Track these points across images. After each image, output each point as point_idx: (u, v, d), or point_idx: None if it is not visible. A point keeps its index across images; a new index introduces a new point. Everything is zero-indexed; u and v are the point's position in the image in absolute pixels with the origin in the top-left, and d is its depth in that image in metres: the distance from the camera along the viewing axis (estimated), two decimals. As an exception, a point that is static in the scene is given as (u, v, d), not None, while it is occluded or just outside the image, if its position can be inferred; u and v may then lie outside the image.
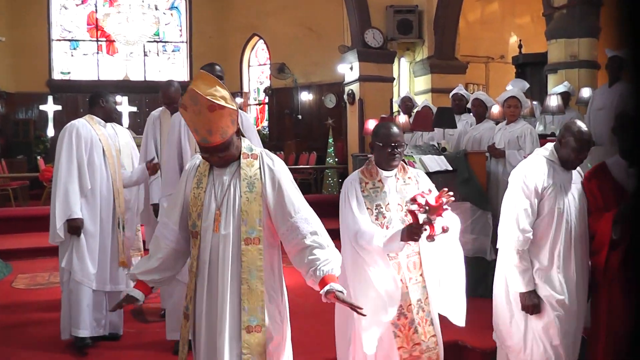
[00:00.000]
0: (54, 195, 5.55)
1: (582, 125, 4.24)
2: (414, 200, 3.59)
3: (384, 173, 4.05)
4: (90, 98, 5.88)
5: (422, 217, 3.60)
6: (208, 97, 3.08)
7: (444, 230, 3.63)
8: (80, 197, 5.51)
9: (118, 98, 17.64)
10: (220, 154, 3.24)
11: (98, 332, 5.54)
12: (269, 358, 3.29)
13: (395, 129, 4.03)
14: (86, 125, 5.68)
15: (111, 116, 5.89)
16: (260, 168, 3.34)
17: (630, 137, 3.71)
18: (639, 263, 1.26)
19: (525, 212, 4.25)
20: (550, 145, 4.38)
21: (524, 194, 4.26)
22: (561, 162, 4.28)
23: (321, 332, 5.53)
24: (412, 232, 3.63)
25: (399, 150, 3.96)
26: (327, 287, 3.16)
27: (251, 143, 5.35)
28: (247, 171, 3.31)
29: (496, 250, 7.00)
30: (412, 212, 3.63)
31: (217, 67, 5.40)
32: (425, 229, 3.59)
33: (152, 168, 5.82)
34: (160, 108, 6.44)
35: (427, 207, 3.53)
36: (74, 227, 5.48)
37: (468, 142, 8.11)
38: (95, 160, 5.60)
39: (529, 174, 4.27)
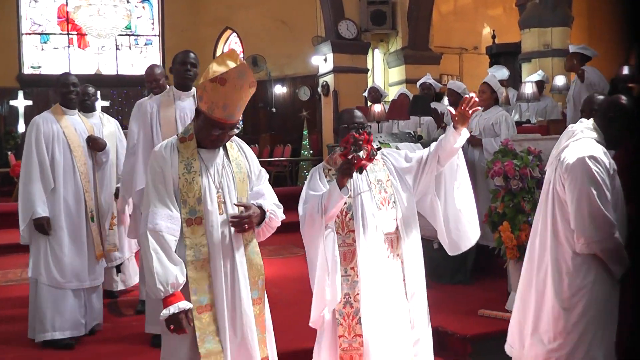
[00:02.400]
0: (19, 196, 5.49)
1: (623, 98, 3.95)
2: (343, 142, 3.64)
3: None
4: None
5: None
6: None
7: (369, 155, 3.63)
8: (44, 195, 5.37)
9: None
10: (231, 132, 3.28)
11: (80, 331, 5.42)
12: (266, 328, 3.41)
13: (357, 112, 4.04)
14: (48, 120, 5.52)
15: (68, 98, 5.63)
16: (239, 150, 3.46)
17: (618, 124, 3.71)
18: (638, 264, 1.25)
19: (609, 202, 3.57)
20: (589, 124, 3.86)
21: (602, 183, 3.56)
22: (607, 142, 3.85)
23: (300, 322, 5.51)
24: (343, 170, 3.60)
25: (363, 130, 3.91)
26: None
27: None
28: (232, 153, 3.39)
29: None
30: (342, 155, 3.65)
31: (192, 55, 5.34)
32: (354, 162, 3.57)
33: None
34: (146, 97, 6.19)
35: (353, 145, 3.59)
36: (39, 226, 5.35)
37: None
38: (57, 154, 5.45)
39: (598, 159, 3.59)
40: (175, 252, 3.16)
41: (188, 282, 3.19)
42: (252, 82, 3.23)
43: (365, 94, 11.25)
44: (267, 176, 3.59)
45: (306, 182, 3.99)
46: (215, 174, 3.29)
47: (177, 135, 3.41)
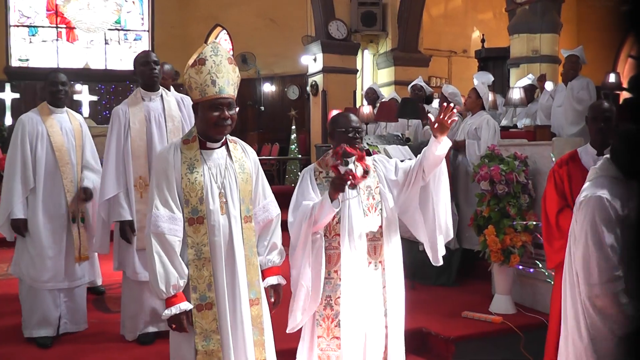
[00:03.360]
0: (1, 194, 5.51)
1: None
2: (334, 153, 3.73)
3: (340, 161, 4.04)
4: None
5: (342, 170, 3.72)
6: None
7: (365, 171, 3.77)
8: (23, 195, 5.36)
9: (78, 87, 17.41)
10: (230, 112, 3.31)
11: (55, 332, 5.41)
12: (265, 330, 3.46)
13: (353, 116, 4.07)
14: (34, 119, 5.49)
15: (56, 97, 5.61)
16: (243, 151, 3.50)
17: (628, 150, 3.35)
18: (639, 263, 1.30)
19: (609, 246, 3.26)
20: (604, 161, 3.50)
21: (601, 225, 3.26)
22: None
23: (285, 321, 5.55)
24: (336, 185, 3.68)
25: (359, 135, 3.98)
26: (276, 280, 3.59)
27: None
28: (236, 154, 3.44)
29: (459, 239, 7.14)
30: (333, 167, 3.74)
31: (153, 54, 5.38)
32: (349, 178, 3.66)
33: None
34: (125, 100, 6.16)
35: (346, 159, 3.69)
36: (16, 228, 5.37)
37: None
38: (40, 154, 5.43)
39: (603, 199, 3.24)
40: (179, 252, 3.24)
41: (189, 281, 3.25)
42: (229, 58, 3.36)
43: (363, 93, 11.28)
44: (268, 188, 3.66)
45: (297, 185, 3.99)
46: (218, 174, 3.34)
47: (181, 137, 3.46)
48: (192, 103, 3.45)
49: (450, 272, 7.13)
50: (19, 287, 5.59)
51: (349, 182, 3.66)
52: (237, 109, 3.41)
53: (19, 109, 16.24)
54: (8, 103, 18.10)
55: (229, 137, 3.48)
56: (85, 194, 5.57)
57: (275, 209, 3.59)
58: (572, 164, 4.47)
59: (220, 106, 3.28)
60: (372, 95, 10.76)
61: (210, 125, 3.31)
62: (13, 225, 5.36)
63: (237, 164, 3.40)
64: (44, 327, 5.34)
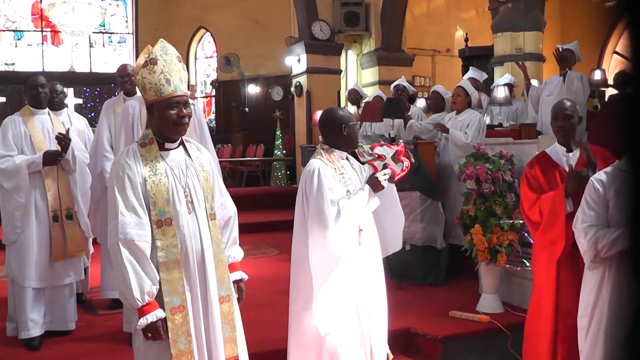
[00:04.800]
0: None
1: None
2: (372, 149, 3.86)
3: (342, 157, 4.05)
4: None
5: (380, 166, 3.88)
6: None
7: (405, 170, 3.96)
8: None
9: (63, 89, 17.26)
10: (187, 110, 3.31)
11: (40, 330, 5.39)
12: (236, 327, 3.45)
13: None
14: (17, 122, 5.54)
15: (37, 100, 5.64)
16: (199, 150, 3.52)
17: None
18: (638, 255, 1.28)
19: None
20: None
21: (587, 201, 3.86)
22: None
23: (273, 322, 5.54)
24: (377, 182, 3.82)
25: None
26: (239, 275, 3.60)
27: (203, 135, 5.38)
28: (193, 152, 3.44)
29: (446, 238, 7.14)
30: (372, 164, 3.88)
31: (129, 66, 5.79)
32: (387, 174, 3.83)
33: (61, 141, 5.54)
34: (114, 98, 6.30)
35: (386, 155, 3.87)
36: (50, 156, 5.48)
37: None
38: (25, 154, 5.47)
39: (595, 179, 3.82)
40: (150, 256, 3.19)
41: (161, 285, 3.18)
42: (178, 56, 3.38)
43: (346, 94, 11.27)
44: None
45: (317, 184, 3.85)
46: (181, 174, 3.32)
47: (136, 141, 3.40)
48: (146, 104, 3.40)
49: (437, 272, 7.13)
50: (9, 288, 5.59)
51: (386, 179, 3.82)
52: (194, 105, 3.42)
53: (5, 112, 16.14)
54: (-5, 107, 18.06)
55: (183, 137, 3.45)
56: (64, 140, 5.50)
57: (232, 206, 3.62)
58: (544, 161, 4.55)
59: (177, 104, 3.27)
60: (355, 96, 10.79)
61: (169, 124, 3.27)
62: (46, 157, 5.44)
63: (196, 162, 3.40)
64: (30, 328, 5.34)
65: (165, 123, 3.28)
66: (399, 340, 5.49)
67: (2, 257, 5.70)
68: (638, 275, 1.33)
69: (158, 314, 3.12)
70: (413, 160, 4.07)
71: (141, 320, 3.10)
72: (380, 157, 4.00)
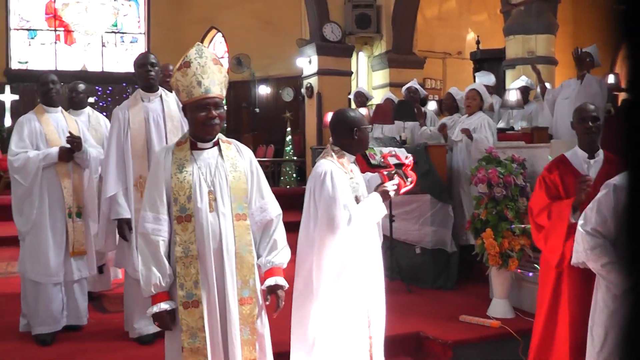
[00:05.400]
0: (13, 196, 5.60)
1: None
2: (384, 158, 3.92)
3: (351, 161, 4.04)
4: None
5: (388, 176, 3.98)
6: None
7: (411, 185, 4.03)
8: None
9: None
10: (218, 111, 3.34)
11: (57, 327, 5.43)
12: (258, 330, 3.44)
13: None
14: (31, 119, 5.59)
15: (48, 97, 5.67)
16: (238, 151, 3.53)
17: None
18: (637, 254, 1.25)
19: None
20: None
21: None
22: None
23: (277, 324, 5.49)
24: (386, 191, 3.90)
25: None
26: (273, 281, 3.45)
27: None
28: (228, 153, 3.47)
29: (457, 242, 7.11)
30: (382, 173, 3.94)
31: (151, 55, 5.45)
32: (396, 185, 3.93)
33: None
34: (126, 100, 6.20)
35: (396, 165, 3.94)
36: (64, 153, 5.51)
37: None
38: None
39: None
40: (168, 250, 3.31)
41: (176, 278, 3.29)
42: (215, 59, 3.41)
43: (352, 97, 11.26)
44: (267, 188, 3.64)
45: (330, 187, 3.82)
46: (208, 173, 3.38)
47: (175, 141, 3.52)
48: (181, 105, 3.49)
49: (447, 275, 7.10)
50: (22, 285, 5.63)
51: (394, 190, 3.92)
52: (225, 107, 3.43)
53: (18, 110, 16.33)
54: (8, 105, 18.22)
55: (223, 137, 3.52)
56: (75, 140, 5.50)
57: (274, 210, 3.56)
58: (563, 168, 4.45)
59: (207, 106, 3.33)
60: (361, 99, 10.77)
61: (199, 125, 3.36)
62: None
63: (228, 162, 3.43)
64: (47, 324, 5.38)
65: (196, 124, 3.38)
66: (408, 344, 5.48)
67: (16, 253, 5.73)
68: (634, 279, 1.31)
69: (163, 305, 3.26)
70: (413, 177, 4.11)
71: (150, 308, 3.29)
72: (389, 167, 4.04)
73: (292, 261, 4.09)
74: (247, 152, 3.58)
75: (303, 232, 4.01)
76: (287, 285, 3.53)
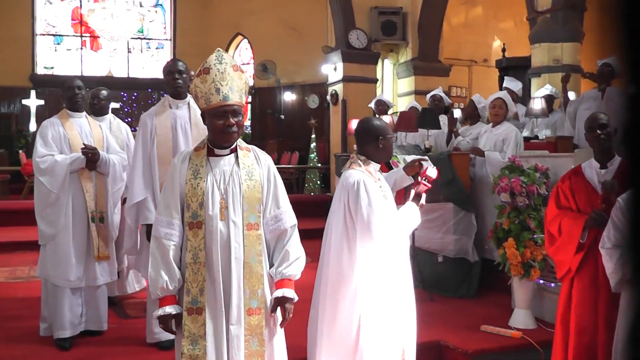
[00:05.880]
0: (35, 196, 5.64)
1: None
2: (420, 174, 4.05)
3: (376, 169, 4.05)
4: None
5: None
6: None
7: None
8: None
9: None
10: (236, 119, 3.33)
11: (76, 330, 5.48)
12: (267, 341, 3.41)
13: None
14: (55, 124, 5.63)
15: (73, 102, 5.72)
16: (256, 159, 3.50)
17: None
18: (637, 258, 1.25)
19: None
20: None
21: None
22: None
23: (297, 331, 5.49)
24: (419, 200, 4.00)
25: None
26: (280, 293, 3.40)
27: None
28: (245, 161, 3.45)
29: (479, 251, 7.07)
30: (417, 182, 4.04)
31: (179, 62, 5.44)
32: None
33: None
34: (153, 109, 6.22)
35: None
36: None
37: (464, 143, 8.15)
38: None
39: None
40: (180, 255, 3.32)
41: (185, 283, 3.31)
42: (234, 65, 3.39)
43: (372, 105, 11.23)
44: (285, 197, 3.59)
45: (368, 197, 3.81)
46: (221, 180, 3.37)
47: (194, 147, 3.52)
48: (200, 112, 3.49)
49: (469, 284, 7.06)
50: (42, 289, 5.69)
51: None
52: (243, 115, 3.44)
53: (43, 115, 16.49)
54: (33, 109, 18.50)
55: (242, 144, 3.50)
56: (90, 151, 5.55)
57: (289, 220, 3.51)
58: (575, 178, 4.48)
59: (225, 114, 3.32)
60: (382, 107, 10.74)
61: (217, 132, 3.36)
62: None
63: (244, 170, 3.41)
64: (66, 328, 5.41)
65: (214, 131, 3.37)
66: (428, 352, 5.44)
67: (36, 257, 5.79)
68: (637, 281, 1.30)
69: (167, 309, 3.27)
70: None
71: (156, 311, 3.33)
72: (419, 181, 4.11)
73: (315, 268, 4.11)
74: (265, 159, 3.54)
75: (338, 244, 3.93)
76: (296, 298, 3.44)
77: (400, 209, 3.97)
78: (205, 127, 5.28)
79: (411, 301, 4.06)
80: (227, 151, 3.43)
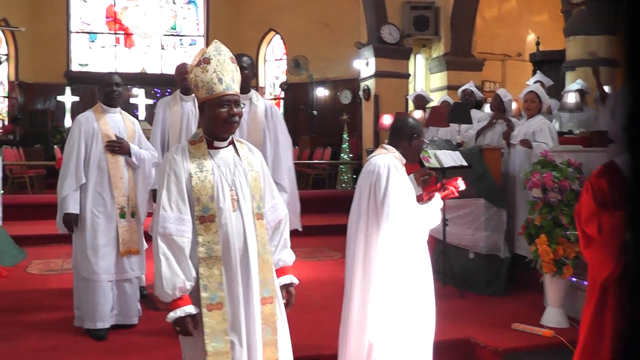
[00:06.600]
0: (57, 188, 5.71)
1: None
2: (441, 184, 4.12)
3: (403, 162, 4.05)
4: None
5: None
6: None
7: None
8: (75, 191, 5.56)
9: (135, 90, 17.77)
10: (237, 109, 3.30)
11: (106, 323, 5.54)
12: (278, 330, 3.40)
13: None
14: (89, 118, 5.70)
15: (109, 97, 5.80)
16: (250, 150, 3.49)
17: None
18: (638, 262, 1.19)
19: None
20: None
21: None
22: None
23: (328, 327, 5.48)
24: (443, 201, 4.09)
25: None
26: (289, 279, 3.54)
27: (277, 137, 5.35)
28: (243, 152, 3.43)
29: (510, 247, 6.97)
30: (449, 185, 4.10)
31: (244, 58, 5.28)
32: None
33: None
34: (169, 96, 6.48)
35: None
36: (67, 222, 5.58)
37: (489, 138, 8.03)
38: (94, 151, 5.61)
39: None
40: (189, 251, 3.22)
41: (200, 280, 3.20)
42: (231, 57, 3.38)
43: (411, 99, 11.16)
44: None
45: (396, 184, 3.88)
46: (228, 172, 3.32)
47: (187, 139, 3.45)
48: (198, 103, 3.44)
49: (500, 282, 6.96)
50: (74, 280, 5.78)
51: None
52: (244, 105, 3.41)
53: (78, 111, 16.57)
54: (68, 106, 18.76)
55: (234, 137, 3.47)
56: (117, 141, 5.69)
57: (283, 209, 3.58)
58: (612, 173, 4.25)
59: (228, 103, 3.28)
60: (421, 102, 10.66)
61: (219, 122, 3.29)
62: (64, 219, 5.57)
63: (245, 161, 3.39)
64: (99, 320, 5.49)
65: (216, 121, 3.29)
66: (457, 349, 5.39)
67: (69, 249, 5.87)
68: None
69: (187, 309, 3.15)
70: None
71: (170, 313, 3.16)
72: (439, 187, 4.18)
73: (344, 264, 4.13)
74: (257, 152, 3.56)
75: (361, 230, 4.02)
76: (297, 282, 3.59)
77: (426, 204, 3.94)
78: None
79: (430, 295, 4.05)
80: (226, 143, 3.39)
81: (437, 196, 4.01)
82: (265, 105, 5.32)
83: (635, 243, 1.19)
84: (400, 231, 3.82)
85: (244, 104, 3.42)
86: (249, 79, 5.19)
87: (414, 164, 4.29)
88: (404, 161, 4.06)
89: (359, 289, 4.02)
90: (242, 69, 5.27)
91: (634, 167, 1.12)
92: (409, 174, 4.13)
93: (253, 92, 5.31)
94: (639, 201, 1.16)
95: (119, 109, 5.91)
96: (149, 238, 6.23)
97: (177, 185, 3.25)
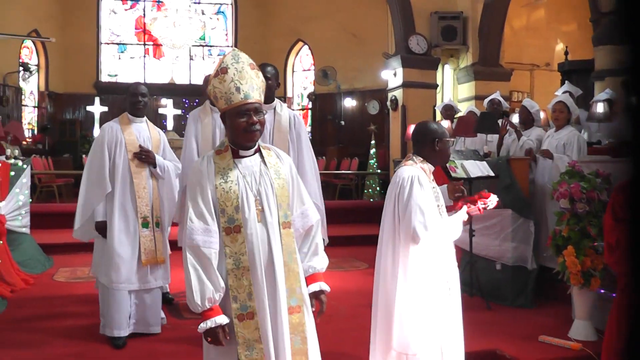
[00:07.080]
0: (79, 196, 5.81)
1: None
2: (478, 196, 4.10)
3: (432, 170, 4.05)
4: None
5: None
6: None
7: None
8: (102, 199, 5.62)
9: (163, 101, 17.91)
10: (258, 117, 3.26)
11: (125, 332, 5.57)
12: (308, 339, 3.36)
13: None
14: (114, 128, 5.77)
15: (135, 107, 5.85)
16: (278, 157, 3.45)
17: None
18: (638, 262, 1.19)
19: None
20: None
21: None
22: None
23: (355, 337, 5.47)
24: (470, 215, 4.04)
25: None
26: (318, 287, 3.47)
27: (300, 146, 5.37)
28: (270, 160, 3.39)
29: (537, 259, 6.90)
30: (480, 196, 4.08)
31: (268, 68, 5.28)
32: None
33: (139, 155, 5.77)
34: (200, 107, 6.45)
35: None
36: (99, 229, 5.66)
37: (516, 148, 7.99)
38: (117, 161, 5.66)
39: None
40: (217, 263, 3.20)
41: (229, 291, 3.20)
42: (251, 63, 3.32)
43: (440, 109, 11.13)
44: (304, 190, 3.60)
45: (416, 193, 3.85)
46: (253, 182, 3.30)
47: (213, 149, 3.43)
48: (219, 113, 3.41)
49: (527, 293, 6.89)
50: (98, 287, 5.84)
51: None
52: (266, 113, 3.37)
53: (106, 121, 16.74)
54: (97, 116, 18.99)
55: (262, 144, 3.44)
56: (143, 151, 5.75)
57: (314, 215, 3.51)
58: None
59: (247, 112, 3.24)
60: (450, 112, 10.63)
61: (240, 132, 3.26)
62: (97, 227, 5.64)
63: (272, 170, 3.35)
64: (115, 328, 5.54)
65: (236, 131, 3.27)
66: (484, 362, 5.35)
67: (88, 258, 5.94)
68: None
69: (218, 320, 3.14)
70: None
71: (201, 324, 3.15)
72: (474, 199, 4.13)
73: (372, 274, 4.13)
74: (286, 158, 3.51)
75: (385, 240, 4.01)
76: (329, 289, 3.51)
77: (451, 216, 3.92)
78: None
79: (457, 305, 4.02)
80: (251, 151, 3.36)
81: (464, 209, 3.97)
82: (289, 114, 5.34)
83: (634, 250, 1.19)
84: (420, 243, 3.80)
85: (266, 111, 3.41)
86: (273, 89, 5.20)
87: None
88: (432, 169, 4.05)
89: (385, 298, 4.01)
90: (266, 79, 5.30)
91: (635, 171, 1.12)
92: (439, 179, 4.14)
93: (277, 102, 5.34)
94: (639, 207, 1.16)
95: (144, 118, 5.96)
96: (174, 247, 6.34)
97: (203, 196, 3.24)
